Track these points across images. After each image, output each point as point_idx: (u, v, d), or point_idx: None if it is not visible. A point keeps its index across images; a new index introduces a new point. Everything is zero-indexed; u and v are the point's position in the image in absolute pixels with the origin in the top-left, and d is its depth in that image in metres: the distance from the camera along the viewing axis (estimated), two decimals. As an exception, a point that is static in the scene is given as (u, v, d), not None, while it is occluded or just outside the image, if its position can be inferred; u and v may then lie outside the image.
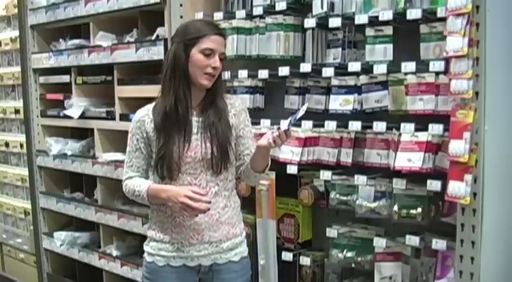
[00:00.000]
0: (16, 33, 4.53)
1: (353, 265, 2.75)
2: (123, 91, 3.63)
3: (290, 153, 2.82)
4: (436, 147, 2.43)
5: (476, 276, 2.21)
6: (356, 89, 2.69)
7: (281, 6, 2.89)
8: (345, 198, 2.75)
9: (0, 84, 5.03)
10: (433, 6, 2.42)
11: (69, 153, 4.07)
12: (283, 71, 2.88)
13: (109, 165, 3.69)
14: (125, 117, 3.54)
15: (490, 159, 2.21)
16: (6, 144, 5.00)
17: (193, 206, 2.13)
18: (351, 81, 2.70)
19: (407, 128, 2.47)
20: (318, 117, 2.82)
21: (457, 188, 2.21)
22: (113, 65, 3.65)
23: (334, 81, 2.75)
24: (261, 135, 2.38)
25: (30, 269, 4.66)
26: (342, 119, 2.71)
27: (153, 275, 2.33)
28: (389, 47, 2.56)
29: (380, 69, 2.54)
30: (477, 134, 2.19)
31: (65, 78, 4.11)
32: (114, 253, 3.78)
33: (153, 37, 3.38)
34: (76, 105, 3.98)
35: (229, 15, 3.13)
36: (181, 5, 3.22)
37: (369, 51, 2.62)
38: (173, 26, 3.15)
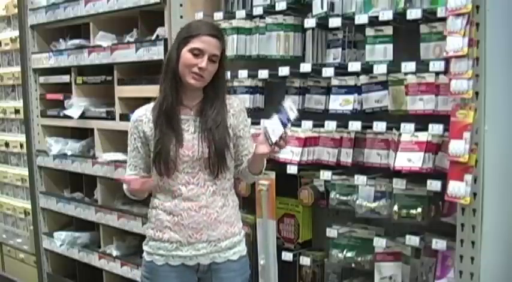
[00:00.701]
0: (16, 33, 4.53)
1: (353, 265, 2.75)
2: (123, 91, 3.63)
3: (290, 153, 2.82)
4: (436, 147, 2.43)
5: (476, 276, 2.21)
6: (356, 89, 2.69)
7: (281, 6, 2.89)
8: (345, 198, 2.75)
9: (0, 84, 5.03)
10: (433, 6, 2.42)
11: (69, 153, 4.06)
12: (283, 71, 2.88)
13: (109, 165, 3.68)
14: (124, 117, 3.53)
15: (490, 159, 2.21)
16: (6, 144, 4.99)
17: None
18: (351, 81, 2.70)
19: (407, 128, 2.46)
20: (318, 117, 2.82)
21: (457, 188, 2.20)
22: (112, 65, 3.65)
23: (334, 81, 2.75)
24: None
25: (30, 269, 4.65)
26: (342, 119, 2.71)
27: (152, 274, 2.33)
28: (389, 47, 2.56)
29: (380, 69, 2.54)
30: (477, 134, 2.19)
31: (65, 78, 4.11)
32: (114, 253, 3.78)
33: (153, 37, 3.38)
34: (76, 105, 3.97)
35: (229, 15, 3.13)
36: (181, 5, 3.22)
37: (369, 51, 2.62)
38: (173, 26, 3.16)
